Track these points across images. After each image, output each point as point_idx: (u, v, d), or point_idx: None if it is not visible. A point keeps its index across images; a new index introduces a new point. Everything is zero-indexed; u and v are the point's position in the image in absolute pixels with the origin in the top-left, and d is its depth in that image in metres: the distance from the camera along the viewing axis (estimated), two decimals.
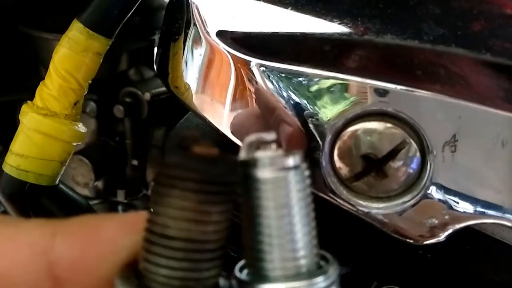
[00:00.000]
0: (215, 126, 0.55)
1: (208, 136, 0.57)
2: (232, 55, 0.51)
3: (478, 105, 0.45)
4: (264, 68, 0.50)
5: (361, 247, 0.58)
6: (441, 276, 0.57)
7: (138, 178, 0.96)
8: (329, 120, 0.48)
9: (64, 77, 0.66)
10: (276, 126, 0.50)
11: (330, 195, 0.49)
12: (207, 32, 0.54)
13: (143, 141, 0.95)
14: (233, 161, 0.27)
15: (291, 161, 0.27)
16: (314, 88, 0.49)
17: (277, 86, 0.50)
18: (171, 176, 0.26)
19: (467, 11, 0.47)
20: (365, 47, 0.47)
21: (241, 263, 0.29)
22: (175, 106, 0.63)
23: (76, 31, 0.65)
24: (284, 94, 0.49)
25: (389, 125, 0.46)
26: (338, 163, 0.48)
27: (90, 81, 0.68)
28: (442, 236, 0.48)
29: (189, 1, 0.56)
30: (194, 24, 0.55)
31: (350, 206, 0.49)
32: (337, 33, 0.48)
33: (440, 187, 0.47)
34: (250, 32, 0.51)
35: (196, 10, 0.55)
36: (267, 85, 0.50)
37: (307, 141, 0.49)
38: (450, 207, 0.48)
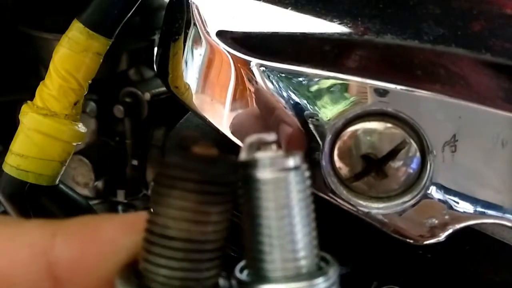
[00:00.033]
0: (215, 126, 0.55)
1: (208, 136, 0.57)
2: (232, 55, 0.51)
3: (478, 105, 0.45)
4: (264, 68, 0.50)
5: (361, 247, 0.58)
6: (441, 276, 0.57)
7: (138, 178, 0.96)
8: (329, 120, 0.48)
9: (64, 77, 0.66)
10: (276, 126, 0.50)
11: (330, 195, 0.49)
12: (207, 32, 0.54)
13: (143, 141, 0.95)
14: (232, 162, 0.27)
15: (291, 161, 0.27)
16: (314, 88, 0.49)
17: (277, 86, 0.50)
18: (171, 177, 0.26)
19: (467, 11, 0.47)
20: (365, 47, 0.47)
21: (241, 263, 0.29)
22: (175, 106, 0.63)
23: (76, 31, 0.65)
24: (284, 94, 0.49)
25: (389, 125, 0.46)
26: (338, 163, 0.48)
27: (90, 81, 0.68)
28: (442, 236, 0.48)
29: (189, 1, 0.56)
30: (194, 24, 0.55)
31: (350, 206, 0.49)
32: (337, 33, 0.48)
33: (440, 187, 0.47)
34: (250, 32, 0.51)
35: (196, 10, 0.55)
36: (267, 85, 0.50)
37: (307, 141, 0.49)
38: (450, 207, 0.48)
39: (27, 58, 0.94)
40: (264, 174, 0.27)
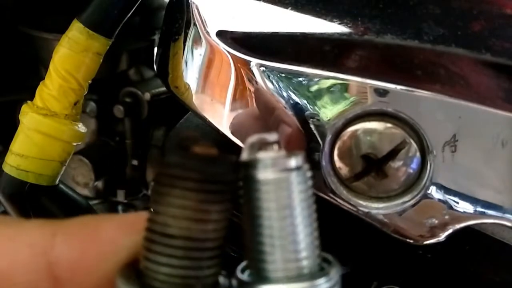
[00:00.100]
0: (215, 126, 0.55)
1: (208, 136, 0.57)
2: (232, 55, 0.51)
3: (478, 105, 0.45)
4: (264, 68, 0.50)
5: (361, 247, 0.58)
6: (441, 276, 0.57)
7: (138, 178, 0.96)
8: (329, 120, 0.48)
9: (64, 77, 0.66)
10: (276, 126, 0.50)
11: (330, 195, 0.49)
12: (207, 32, 0.54)
13: (143, 141, 0.95)
14: (232, 161, 0.27)
15: (293, 162, 0.27)
16: (314, 88, 0.49)
17: (277, 86, 0.50)
18: (171, 176, 0.26)
19: (467, 11, 0.47)
20: (365, 47, 0.47)
21: (242, 264, 0.29)
22: (175, 106, 0.63)
23: (76, 31, 0.65)
24: (284, 94, 0.49)
25: (389, 125, 0.46)
26: (338, 163, 0.48)
27: (90, 81, 0.68)
28: (442, 236, 0.48)
29: (189, 1, 0.56)
30: (194, 24, 0.55)
31: (350, 206, 0.49)
32: (337, 33, 0.48)
33: (440, 187, 0.47)
34: (250, 32, 0.51)
35: (196, 10, 0.55)
36: (267, 85, 0.50)
37: (307, 141, 0.49)
38: (450, 207, 0.48)
39: (27, 58, 0.94)
40: (265, 174, 0.27)
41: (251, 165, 0.27)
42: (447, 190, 0.47)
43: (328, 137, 0.48)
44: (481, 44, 0.45)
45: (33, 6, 0.90)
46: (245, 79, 0.51)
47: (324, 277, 0.27)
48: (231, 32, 0.52)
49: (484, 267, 0.58)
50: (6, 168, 0.67)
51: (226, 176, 0.27)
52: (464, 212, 0.48)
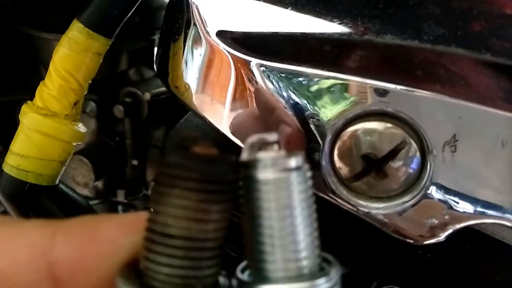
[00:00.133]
0: (215, 126, 0.55)
1: (208, 136, 0.57)
2: (232, 55, 0.51)
3: (478, 105, 0.45)
4: (264, 68, 0.50)
5: (361, 247, 0.58)
6: (441, 276, 0.57)
7: (138, 178, 0.96)
8: (329, 120, 0.48)
9: (64, 77, 0.66)
10: (276, 126, 0.50)
11: (330, 195, 0.49)
12: (207, 32, 0.54)
13: (143, 141, 0.95)
14: (232, 161, 0.27)
15: (293, 162, 0.27)
16: (314, 88, 0.49)
17: (277, 86, 0.50)
18: (172, 176, 0.26)
19: (467, 11, 0.47)
20: (365, 47, 0.47)
21: (243, 264, 0.29)
22: (175, 106, 0.63)
23: (76, 31, 0.65)
24: (284, 94, 0.49)
25: (389, 125, 0.46)
26: (338, 163, 0.48)
27: (90, 81, 0.68)
28: (442, 236, 0.48)
29: (189, 1, 0.56)
30: (194, 24, 0.55)
31: (350, 206, 0.49)
32: (337, 33, 0.48)
33: (440, 187, 0.47)
34: (250, 32, 0.51)
35: (196, 10, 0.55)
36: (267, 85, 0.50)
37: (307, 141, 0.49)
38: (450, 207, 0.48)
39: (27, 58, 0.94)
40: (265, 174, 0.27)
41: (251, 165, 0.27)
42: (447, 190, 0.47)
43: (328, 137, 0.48)
44: (481, 44, 0.45)
45: (33, 6, 0.90)
46: (245, 79, 0.51)
47: (324, 277, 0.27)
48: (231, 32, 0.52)
49: (484, 267, 0.58)
50: (6, 168, 0.67)
51: (226, 176, 0.27)
52: (464, 212, 0.48)
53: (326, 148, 0.48)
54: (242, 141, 0.53)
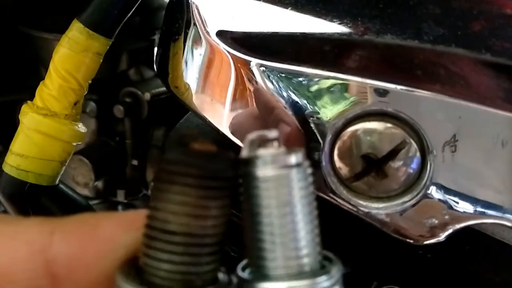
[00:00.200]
0: (215, 126, 0.55)
1: (208, 136, 0.57)
2: (232, 55, 0.51)
3: (478, 105, 0.45)
4: (264, 68, 0.50)
5: (361, 247, 0.58)
6: (441, 276, 0.57)
7: (138, 178, 0.96)
8: (329, 120, 0.48)
9: (64, 77, 0.66)
10: (275, 126, 0.50)
11: (330, 195, 0.49)
12: (207, 32, 0.54)
13: (143, 141, 0.95)
14: (231, 157, 0.27)
15: (293, 159, 0.27)
16: (314, 88, 0.49)
17: (277, 86, 0.50)
18: (171, 172, 0.26)
19: (467, 11, 0.47)
20: (365, 47, 0.47)
21: (243, 262, 0.29)
22: (175, 106, 0.63)
23: (76, 31, 0.65)
24: (284, 94, 0.49)
25: (389, 125, 0.46)
26: (338, 163, 0.48)
27: (90, 81, 0.68)
28: (442, 236, 0.48)
29: (189, 1, 0.56)
30: (194, 24, 0.55)
31: (350, 206, 0.49)
32: (337, 33, 0.48)
33: (440, 187, 0.47)
34: (250, 32, 0.51)
35: (196, 10, 0.55)
36: (267, 85, 0.50)
37: (306, 141, 0.49)
38: (450, 207, 0.48)
39: (27, 58, 0.94)
40: (265, 171, 0.27)
41: (251, 162, 0.27)
42: (447, 190, 0.47)
43: (328, 137, 0.48)
44: (481, 44, 0.45)
45: (33, 6, 0.90)
46: (245, 79, 0.51)
47: (325, 275, 0.27)
48: (231, 32, 0.52)
49: (484, 267, 0.58)
50: (6, 168, 0.67)
51: (225, 172, 0.27)
52: (464, 212, 0.48)
53: (326, 148, 0.48)
54: (242, 141, 0.53)
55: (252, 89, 0.51)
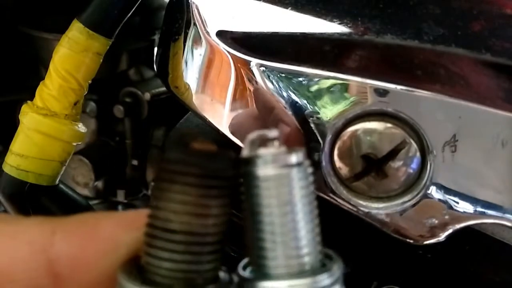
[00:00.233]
0: (215, 126, 0.55)
1: (208, 136, 0.57)
2: (232, 55, 0.51)
3: (478, 105, 0.45)
4: (264, 68, 0.50)
5: (361, 247, 0.58)
6: (441, 276, 0.57)
7: (138, 178, 0.96)
8: (329, 120, 0.48)
9: (64, 77, 0.66)
10: (275, 126, 0.50)
11: (330, 195, 0.49)
12: (207, 32, 0.54)
13: (143, 141, 0.95)
14: (231, 156, 0.27)
15: (294, 158, 0.27)
16: (314, 88, 0.49)
17: (277, 86, 0.50)
18: (172, 171, 0.27)
19: (467, 11, 0.47)
20: (365, 47, 0.47)
21: (244, 261, 0.29)
22: (175, 106, 0.64)
23: (76, 31, 0.65)
24: (284, 94, 0.49)
25: (389, 125, 0.46)
26: (338, 163, 0.48)
27: (90, 81, 0.68)
28: (442, 236, 0.48)
29: (189, 1, 0.56)
30: (194, 24, 0.56)
31: (350, 206, 0.49)
32: (337, 33, 0.48)
33: (440, 187, 0.47)
34: (250, 32, 0.51)
35: (196, 10, 0.55)
36: (267, 85, 0.50)
37: (306, 141, 0.49)
38: (450, 207, 0.48)
39: (27, 58, 0.94)
40: (266, 170, 0.27)
41: (252, 161, 0.27)
42: (447, 190, 0.47)
43: (328, 137, 0.48)
44: (481, 44, 0.45)
45: (33, 6, 0.90)
46: (245, 79, 0.51)
47: (326, 273, 0.27)
48: (231, 32, 0.52)
49: (484, 267, 0.58)
50: (6, 168, 0.67)
51: (225, 171, 0.27)
52: (464, 212, 0.48)
53: (326, 148, 0.48)
54: (242, 141, 0.53)
55: (252, 89, 0.51)
